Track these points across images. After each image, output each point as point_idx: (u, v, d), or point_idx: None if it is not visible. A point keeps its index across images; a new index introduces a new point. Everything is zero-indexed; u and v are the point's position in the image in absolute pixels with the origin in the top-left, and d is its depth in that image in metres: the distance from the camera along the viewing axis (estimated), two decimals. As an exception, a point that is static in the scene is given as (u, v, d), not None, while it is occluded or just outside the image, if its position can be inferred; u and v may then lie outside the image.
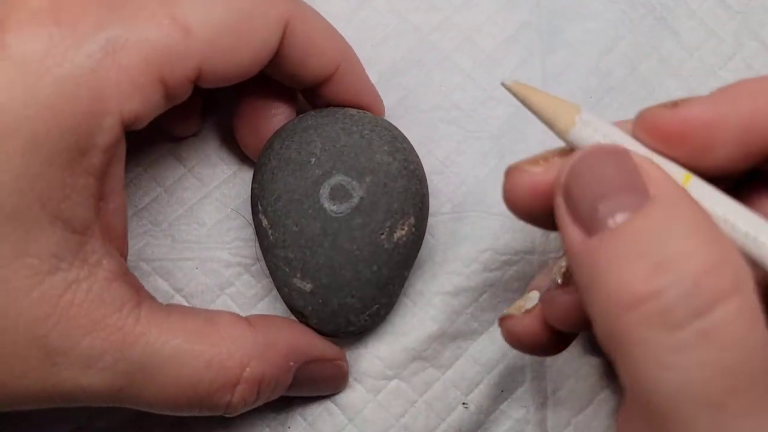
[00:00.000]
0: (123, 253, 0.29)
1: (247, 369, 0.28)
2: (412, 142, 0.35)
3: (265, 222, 0.31)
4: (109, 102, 0.25)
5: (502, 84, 0.24)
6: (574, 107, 0.23)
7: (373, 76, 0.36)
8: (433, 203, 0.35)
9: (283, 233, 0.31)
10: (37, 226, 0.24)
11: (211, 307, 0.34)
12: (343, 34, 0.36)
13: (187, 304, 0.34)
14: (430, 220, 0.35)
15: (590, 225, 0.21)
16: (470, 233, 0.35)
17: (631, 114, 0.35)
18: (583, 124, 0.22)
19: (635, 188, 0.20)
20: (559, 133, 0.23)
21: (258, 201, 0.31)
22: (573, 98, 0.37)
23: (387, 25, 0.38)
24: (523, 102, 0.24)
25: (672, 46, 0.38)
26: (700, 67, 0.38)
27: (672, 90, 0.37)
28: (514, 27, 0.38)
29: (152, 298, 0.29)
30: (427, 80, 0.37)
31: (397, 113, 0.37)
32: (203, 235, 0.35)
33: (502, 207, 0.31)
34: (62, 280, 0.25)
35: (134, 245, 0.34)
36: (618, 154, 0.21)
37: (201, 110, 0.35)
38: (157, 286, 0.34)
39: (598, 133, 0.22)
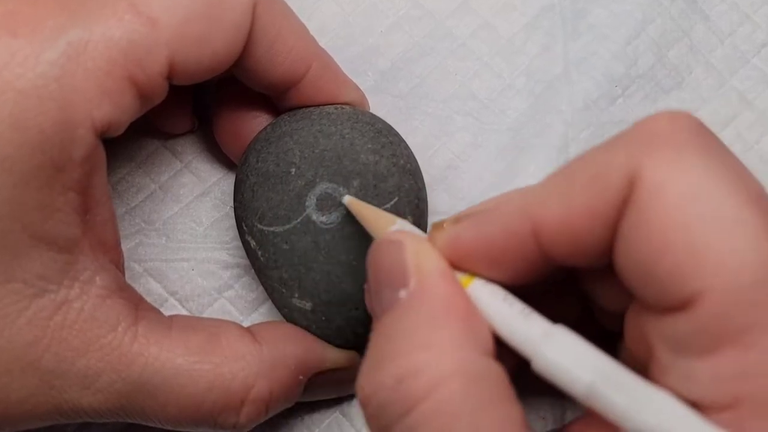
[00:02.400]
0: (118, 264, 0.28)
1: (253, 389, 0.27)
2: (424, 135, 0.35)
3: (252, 243, 0.30)
4: (78, 111, 0.24)
5: (343, 202, 0.28)
6: (393, 219, 0.25)
7: (383, 64, 0.36)
8: (448, 201, 0.34)
9: (273, 253, 0.29)
10: (20, 250, 0.24)
11: (208, 311, 0.33)
12: (351, 20, 0.35)
13: (181, 308, 0.33)
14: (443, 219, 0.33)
15: (374, 314, 0.23)
16: None
17: (658, 106, 0.36)
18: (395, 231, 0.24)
19: (396, 283, 0.22)
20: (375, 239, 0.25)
21: (242, 222, 0.30)
22: (597, 87, 0.36)
23: (398, 10, 0.36)
24: (356, 215, 0.27)
25: (703, 32, 0.37)
26: (731, 54, 0.37)
27: (701, 80, 0.36)
28: (534, 11, 0.36)
29: (152, 311, 0.28)
30: (442, 69, 0.36)
31: (408, 104, 0.35)
32: (200, 234, 0.34)
33: None
34: (51, 302, 0.25)
35: (126, 245, 0.33)
36: (393, 245, 0.23)
37: (192, 107, 0.34)
38: (150, 288, 0.33)
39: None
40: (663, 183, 0.19)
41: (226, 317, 0.33)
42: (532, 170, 0.35)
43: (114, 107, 0.25)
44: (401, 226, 0.25)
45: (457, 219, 0.23)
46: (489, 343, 0.22)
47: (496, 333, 0.22)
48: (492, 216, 0.22)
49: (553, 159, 0.35)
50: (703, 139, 0.20)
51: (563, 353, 0.20)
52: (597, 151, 0.21)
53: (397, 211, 0.29)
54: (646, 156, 0.20)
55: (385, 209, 0.29)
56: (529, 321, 0.21)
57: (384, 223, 0.25)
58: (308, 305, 0.29)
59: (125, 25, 0.24)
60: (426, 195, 0.31)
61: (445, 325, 0.21)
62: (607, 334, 0.24)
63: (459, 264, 0.23)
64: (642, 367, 0.21)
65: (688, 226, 0.19)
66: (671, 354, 0.20)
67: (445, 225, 0.23)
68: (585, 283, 0.25)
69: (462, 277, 0.23)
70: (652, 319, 0.20)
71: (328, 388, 0.32)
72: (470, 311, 0.22)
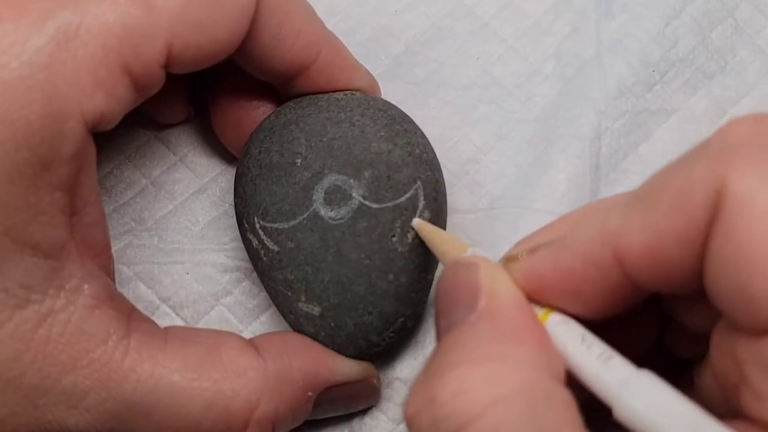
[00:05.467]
0: (108, 270, 0.27)
1: (258, 408, 0.27)
2: (443, 125, 0.34)
3: (254, 242, 0.29)
4: (68, 102, 0.23)
5: (412, 225, 0.28)
6: (465, 247, 0.25)
7: (397, 48, 0.35)
8: (468, 197, 0.34)
9: (278, 252, 0.29)
10: (1, 256, 0.23)
11: (204, 319, 0.33)
12: (363, -1, 0.36)
13: (174, 316, 0.33)
14: (464, 218, 0.33)
15: (437, 335, 0.23)
16: (510, 233, 0.33)
17: (699, 93, 0.35)
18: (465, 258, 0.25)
19: (467, 304, 0.22)
20: (444, 266, 0.25)
21: (243, 218, 0.29)
22: (632, 72, 0.35)
23: (414, -13, 0.36)
24: (425, 240, 0.27)
25: (749, 11, 0.36)
26: (780, 36, 0.37)
27: (747, 63, 0.36)
28: (565, -13, 0.35)
29: (146, 322, 0.27)
30: (461, 52, 0.35)
31: (425, 91, 0.35)
32: (196, 234, 0.33)
33: (549, 202, 0.33)
34: (35, 313, 0.24)
35: (114, 246, 0.33)
36: (466, 266, 0.23)
37: (188, 93, 0.33)
38: (140, 294, 0.33)
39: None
40: (751, 197, 0.18)
41: (224, 326, 0.33)
42: (562, 164, 0.34)
43: (107, 98, 0.24)
44: (474, 253, 0.25)
45: (533, 249, 0.23)
46: (561, 373, 0.21)
47: (574, 375, 0.21)
48: (570, 244, 0.22)
49: (585, 151, 0.34)
50: None
51: (647, 403, 0.19)
52: (678, 165, 0.20)
53: (413, 205, 0.29)
54: (729, 167, 0.19)
55: (400, 202, 0.28)
56: (609, 366, 0.20)
57: (454, 251, 0.25)
58: (316, 309, 0.28)
59: (120, 8, 0.24)
60: (445, 188, 0.30)
61: (515, 341, 0.21)
62: (678, 361, 0.24)
63: (537, 297, 0.22)
64: (731, 390, 0.20)
65: None
66: (766, 378, 0.19)
67: (520, 256, 0.23)
68: (668, 306, 0.24)
69: (538, 312, 0.22)
70: (745, 342, 0.19)
71: (339, 403, 0.31)
72: (544, 339, 0.21)
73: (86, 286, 0.25)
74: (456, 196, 0.33)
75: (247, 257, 0.32)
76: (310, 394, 0.28)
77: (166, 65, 0.25)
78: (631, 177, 0.34)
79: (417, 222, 0.28)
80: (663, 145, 0.34)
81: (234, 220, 0.32)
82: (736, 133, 0.19)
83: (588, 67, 0.35)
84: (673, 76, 0.35)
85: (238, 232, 0.32)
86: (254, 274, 0.32)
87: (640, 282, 0.21)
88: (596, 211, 0.22)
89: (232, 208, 0.32)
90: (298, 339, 0.29)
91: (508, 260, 0.23)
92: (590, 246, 0.21)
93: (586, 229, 0.21)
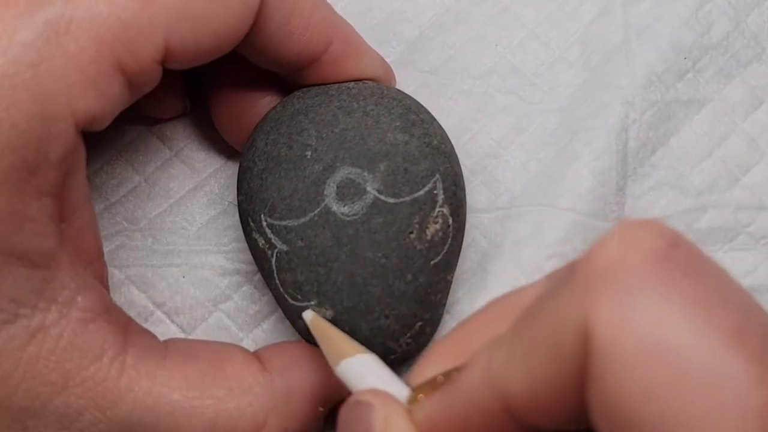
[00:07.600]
0: (102, 279, 0.27)
1: (264, 428, 0.26)
2: (459, 117, 0.34)
3: (261, 241, 0.28)
4: (57, 102, 0.23)
5: (303, 317, 0.27)
6: (356, 349, 0.25)
7: (410, 33, 0.34)
8: (486, 195, 0.33)
9: (287, 252, 0.28)
10: None
11: (202, 326, 0.32)
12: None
13: (169, 323, 0.32)
14: (482, 217, 0.32)
15: None
16: (532, 233, 0.32)
17: (733, 82, 0.34)
18: (354, 364, 0.24)
19: None
20: (331, 367, 0.25)
21: (248, 216, 0.29)
22: (662, 60, 0.34)
23: (428, -32, 0.35)
24: (314, 336, 0.26)
25: None
26: (821, 21, 0.35)
27: None
28: (590, -32, 0.34)
29: (144, 335, 0.27)
30: (479, 38, 0.34)
31: (440, 80, 0.34)
32: (193, 235, 0.33)
33: (573, 200, 0.32)
34: (24, 329, 0.24)
35: (105, 248, 0.31)
36: (361, 407, 0.22)
37: (184, 85, 0.32)
38: (132, 299, 0.32)
39: (365, 377, 0.24)
40: (615, 341, 0.17)
41: (223, 333, 0.32)
42: (587, 158, 0.32)
43: (99, 98, 0.24)
44: (361, 360, 0.25)
45: (433, 386, 0.22)
46: None
47: None
48: (459, 391, 0.21)
49: (611, 144, 0.33)
50: (665, 263, 0.18)
51: None
52: (548, 297, 0.20)
53: (432, 200, 0.28)
54: (593, 304, 0.18)
55: (419, 196, 0.28)
56: None
57: (340, 353, 0.25)
58: (328, 313, 0.28)
59: (114, 1, 0.23)
60: (464, 182, 0.30)
61: None
62: None
63: None
64: None
65: (651, 395, 0.17)
66: None
67: (419, 398, 0.22)
68: None
69: None
70: None
71: None
72: None
73: (80, 298, 0.24)
74: (473, 194, 0.33)
75: (247, 259, 0.31)
76: (321, 409, 0.28)
77: (163, 62, 0.25)
78: (660, 172, 0.32)
79: (310, 316, 0.27)
80: (695, 138, 0.33)
81: (234, 219, 0.32)
82: (599, 261, 0.18)
83: (615, 53, 0.34)
84: (706, 63, 0.34)
85: (238, 233, 0.31)
86: (256, 278, 0.32)
87: (533, 424, 0.20)
88: (487, 340, 0.21)
89: (232, 206, 0.33)
90: (305, 349, 0.29)
91: (410, 401, 0.23)
92: (478, 392, 0.20)
93: (475, 371, 0.21)
